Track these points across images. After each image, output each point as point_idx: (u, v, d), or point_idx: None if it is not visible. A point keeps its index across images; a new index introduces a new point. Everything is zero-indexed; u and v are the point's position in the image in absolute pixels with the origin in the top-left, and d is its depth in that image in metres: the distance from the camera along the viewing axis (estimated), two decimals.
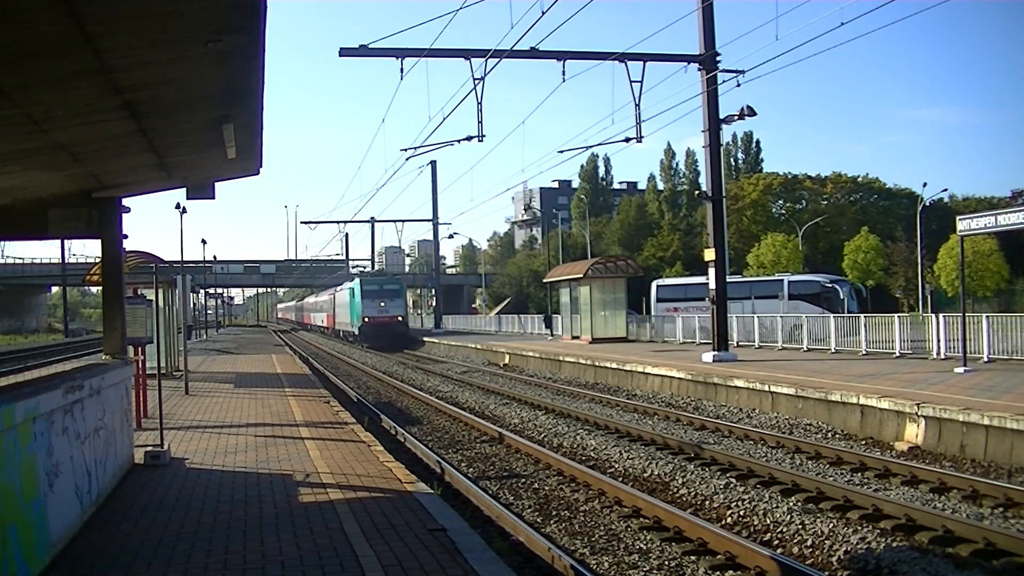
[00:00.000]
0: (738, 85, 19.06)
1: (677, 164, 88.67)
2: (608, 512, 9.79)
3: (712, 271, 22.51)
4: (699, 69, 19.36)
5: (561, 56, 19.36)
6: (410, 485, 9.07)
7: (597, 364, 25.39)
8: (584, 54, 20.10)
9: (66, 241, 59.65)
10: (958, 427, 12.23)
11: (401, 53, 19.29)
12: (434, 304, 70.02)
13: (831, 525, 8.60)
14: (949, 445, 12.30)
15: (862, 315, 27.38)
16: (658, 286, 46.69)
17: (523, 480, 11.70)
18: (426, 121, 60.67)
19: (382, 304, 49.47)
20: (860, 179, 79.72)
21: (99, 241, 10.96)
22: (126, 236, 11.02)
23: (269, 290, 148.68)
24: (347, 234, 72.26)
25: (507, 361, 33.55)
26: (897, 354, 22.61)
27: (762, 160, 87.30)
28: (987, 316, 20.86)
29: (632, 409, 18.29)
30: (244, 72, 6.69)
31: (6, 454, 5.36)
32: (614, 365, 24.21)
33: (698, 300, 36.92)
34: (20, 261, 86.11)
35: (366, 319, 49.33)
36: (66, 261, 67.62)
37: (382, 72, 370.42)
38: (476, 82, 19.48)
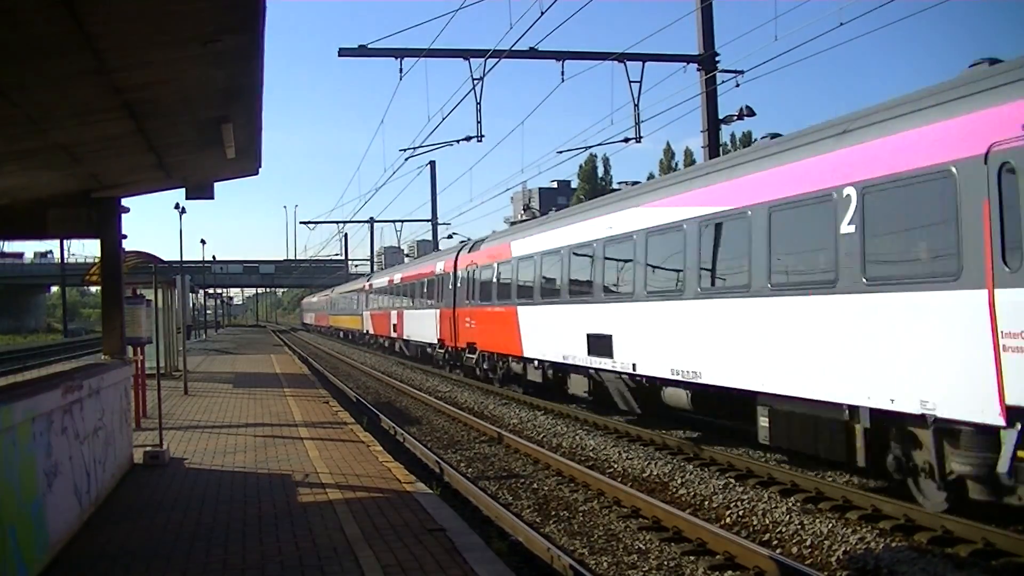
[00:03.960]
0: (737, 85, 18.95)
1: (676, 164, 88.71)
2: (607, 512, 9.79)
3: None
4: (698, 69, 19.33)
5: (560, 56, 19.33)
6: (409, 485, 9.08)
7: None
8: (583, 54, 20.07)
9: (65, 241, 59.71)
10: None
11: (400, 53, 19.28)
12: None
13: (830, 525, 8.60)
14: None
15: None
16: None
17: (522, 480, 11.70)
18: (425, 121, 60.72)
19: None
20: None
21: (98, 241, 10.98)
22: (125, 236, 11.06)
23: (268, 290, 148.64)
24: (346, 234, 71.96)
25: None
26: None
27: None
28: None
29: None
30: (243, 72, 6.70)
31: (5, 454, 5.36)
32: None
33: None
34: (19, 261, 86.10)
35: None
36: (65, 261, 67.60)
37: (381, 72, 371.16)
38: (475, 82, 19.46)
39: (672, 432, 13.78)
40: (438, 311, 26.98)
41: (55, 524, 6.44)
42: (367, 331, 46.42)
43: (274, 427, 13.79)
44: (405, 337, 33.86)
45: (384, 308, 39.44)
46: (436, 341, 27.62)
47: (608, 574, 7.75)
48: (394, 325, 36.29)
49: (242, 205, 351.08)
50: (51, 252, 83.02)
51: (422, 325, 30.00)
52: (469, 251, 24.47)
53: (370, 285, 45.28)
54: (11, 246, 64.19)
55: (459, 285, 24.55)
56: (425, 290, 29.48)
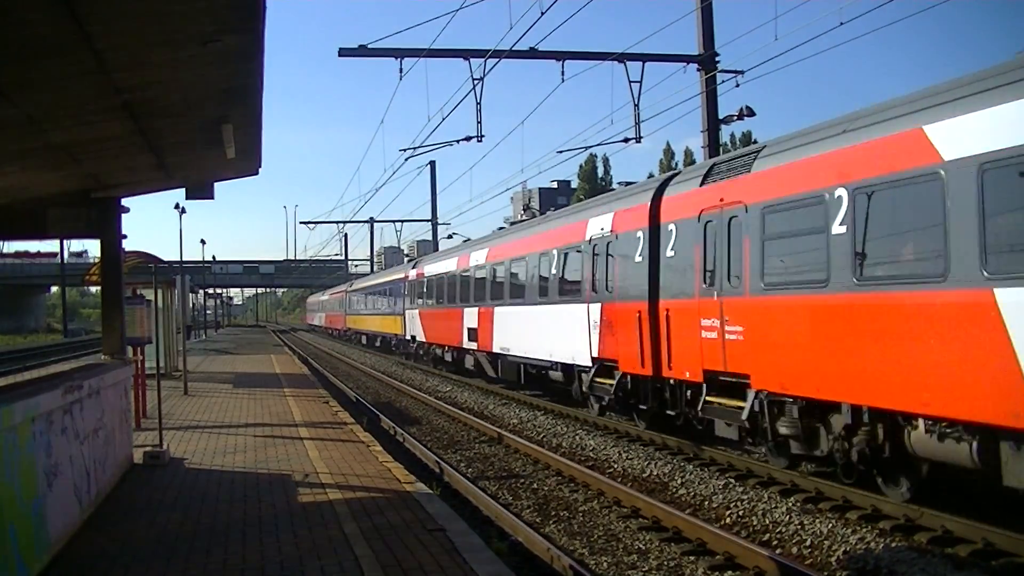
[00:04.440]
0: (737, 85, 18.97)
1: (676, 164, 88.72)
2: (607, 512, 9.79)
3: None
4: (698, 69, 19.33)
5: (560, 56, 19.34)
6: (409, 485, 9.07)
7: None
8: (583, 54, 20.08)
9: (64, 241, 59.59)
10: None
11: (400, 53, 19.28)
12: None
13: (830, 525, 8.60)
14: None
15: None
16: None
17: (522, 480, 11.70)
18: (425, 121, 60.62)
19: None
20: None
21: (98, 241, 11.00)
22: (125, 236, 11.07)
23: (268, 290, 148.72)
24: (346, 234, 71.85)
25: None
26: None
27: None
28: None
29: None
30: (243, 72, 6.71)
31: (5, 454, 5.36)
32: None
33: None
34: (19, 261, 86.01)
35: None
36: (65, 261, 67.55)
37: (381, 72, 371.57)
38: (475, 82, 19.47)
39: None
40: (595, 307, 15.77)
41: (55, 524, 6.44)
42: (412, 337, 33.65)
43: (274, 427, 13.79)
44: (497, 350, 21.89)
45: (450, 304, 27.00)
46: (589, 362, 16.09)
47: (608, 574, 7.75)
48: (471, 330, 24.13)
49: (242, 205, 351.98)
50: (86, 251, 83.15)
51: (543, 332, 18.48)
52: (703, 182, 12.24)
53: (421, 272, 32.28)
54: (46, 246, 63.53)
55: (671, 255, 13.04)
56: (552, 271, 18.16)
